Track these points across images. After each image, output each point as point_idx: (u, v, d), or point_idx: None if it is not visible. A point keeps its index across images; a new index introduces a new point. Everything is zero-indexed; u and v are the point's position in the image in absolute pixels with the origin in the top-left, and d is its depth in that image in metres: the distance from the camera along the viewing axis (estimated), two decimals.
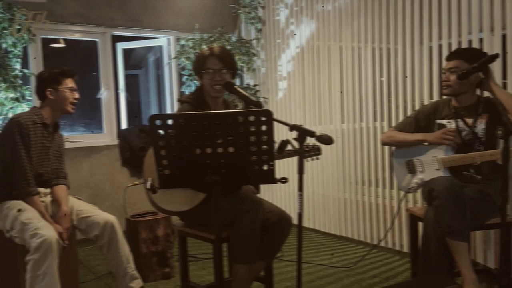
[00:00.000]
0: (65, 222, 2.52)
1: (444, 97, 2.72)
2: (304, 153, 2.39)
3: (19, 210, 2.42)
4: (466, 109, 2.57)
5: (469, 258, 2.27)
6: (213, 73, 2.30)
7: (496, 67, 2.84)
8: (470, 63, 2.41)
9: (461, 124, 2.55)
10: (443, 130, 2.54)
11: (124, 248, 2.60)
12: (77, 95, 2.69)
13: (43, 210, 2.50)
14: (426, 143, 2.58)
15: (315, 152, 2.48)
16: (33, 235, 2.28)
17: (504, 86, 2.92)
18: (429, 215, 2.33)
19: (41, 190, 2.61)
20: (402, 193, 3.27)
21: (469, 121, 2.53)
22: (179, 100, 2.44)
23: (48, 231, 2.31)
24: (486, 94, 2.52)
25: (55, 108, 2.66)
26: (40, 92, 2.66)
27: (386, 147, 3.65)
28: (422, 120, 2.70)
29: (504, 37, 2.88)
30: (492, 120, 2.47)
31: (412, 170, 2.61)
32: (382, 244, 3.68)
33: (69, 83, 2.66)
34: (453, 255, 2.24)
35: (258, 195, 2.45)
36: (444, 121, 2.62)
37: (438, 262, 2.29)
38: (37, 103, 2.77)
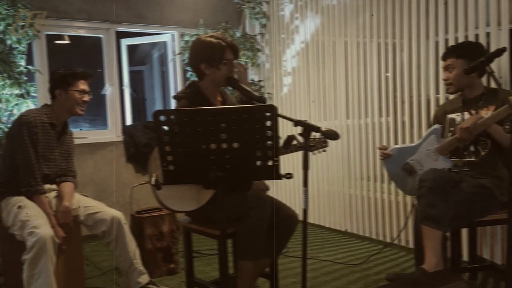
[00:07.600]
0: (64, 217, 2.52)
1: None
2: (311, 147, 2.38)
3: (19, 207, 2.41)
4: (472, 100, 2.56)
5: (440, 246, 2.22)
6: (230, 65, 2.30)
7: (503, 61, 2.82)
8: (462, 58, 2.50)
9: (467, 116, 2.54)
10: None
11: (131, 244, 2.61)
12: (86, 98, 2.67)
13: (49, 210, 2.48)
14: None
15: (322, 145, 2.45)
16: (29, 233, 2.27)
17: None
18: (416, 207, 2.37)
19: (46, 186, 2.61)
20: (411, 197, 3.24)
21: (474, 113, 2.52)
22: (175, 97, 2.38)
23: (44, 229, 2.28)
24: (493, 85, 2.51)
25: (64, 109, 2.66)
26: (51, 91, 2.67)
27: (392, 142, 3.64)
28: (441, 121, 2.70)
29: (511, 31, 2.84)
30: None
31: (411, 172, 2.61)
32: (388, 240, 3.66)
33: (81, 85, 2.65)
34: (422, 240, 2.23)
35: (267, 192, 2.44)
36: (453, 115, 2.63)
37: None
38: (43, 100, 2.76)
